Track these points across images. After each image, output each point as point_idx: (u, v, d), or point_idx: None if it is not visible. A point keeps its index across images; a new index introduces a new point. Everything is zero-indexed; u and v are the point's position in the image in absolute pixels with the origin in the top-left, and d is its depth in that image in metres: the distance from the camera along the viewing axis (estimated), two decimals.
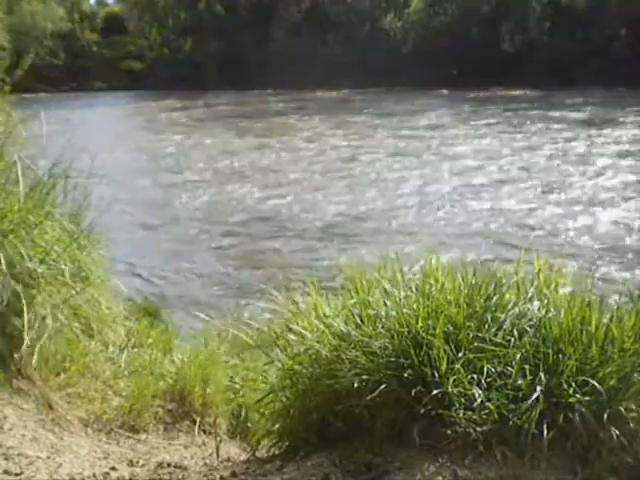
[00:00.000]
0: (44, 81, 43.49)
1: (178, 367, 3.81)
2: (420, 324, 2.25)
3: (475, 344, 2.19)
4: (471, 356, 2.15)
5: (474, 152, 18.86)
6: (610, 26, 39.55)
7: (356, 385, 2.21)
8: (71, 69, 50.22)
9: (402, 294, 2.44)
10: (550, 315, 2.28)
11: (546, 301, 2.38)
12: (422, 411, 2.09)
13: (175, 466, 2.86)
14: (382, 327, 2.31)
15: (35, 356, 3.00)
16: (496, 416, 2.01)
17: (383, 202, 13.62)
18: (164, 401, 3.56)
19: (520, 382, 2.07)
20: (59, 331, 3.15)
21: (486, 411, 2.02)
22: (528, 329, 2.27)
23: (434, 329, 2.21)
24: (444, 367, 2.12)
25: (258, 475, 2.44)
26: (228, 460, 3.01)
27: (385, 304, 2.42)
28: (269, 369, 2.77)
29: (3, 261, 2.81)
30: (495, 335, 2.23)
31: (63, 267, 3.15)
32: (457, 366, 2.11)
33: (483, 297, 2.39)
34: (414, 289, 2.49)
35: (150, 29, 55.12)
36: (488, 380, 2.11)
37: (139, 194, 15.10)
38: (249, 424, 3.42)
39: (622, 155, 17.28)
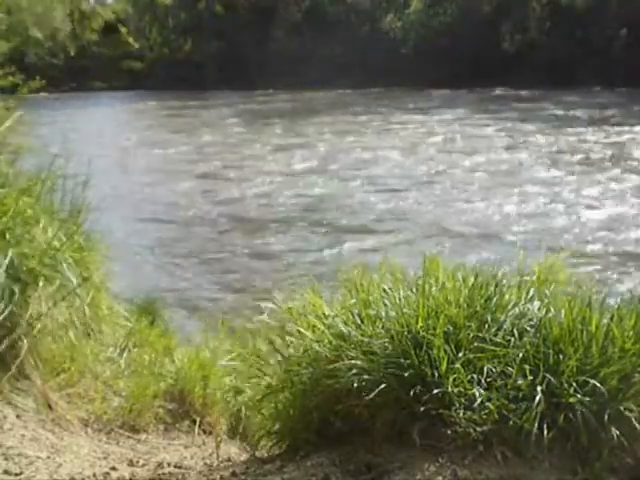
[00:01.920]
0: (44, 81, 43.39)
1: (178, 367, 3.81)
2: (420, 324, 2.24)
3: (475, 344, 2.18)
4: (471, 356, 2.15)
5: (471, 151, 18.85)
6: (610, 26, 39.51)
7: (356, 385, 2.21)
8: (71, 69, 50.14)
9: (402, 294, 2.44)
10: (550, 315, 2.28)
11: (546, 301, 2.38)
12: (422, 411, 2.09)
13: (175, 466, 2.86)
14: (382, 327, 2.31)
15: (35, 356, 3.00)
16: (496, 416, 2.01)
17: (385, 202, 13.62)
18: (164, 401, 3.56)
19: (520, 382, 2.07)
20: (59, 331, 3.15)
21: (486, 411, 2.02)
22: (528, 329, 2.27)
23: (434, 329, 2.21)
24: (444, 367, 2.12)
25: (258, 475, 2.44)
26: (228, 460, 3.01)
27: (385, 304, 2.41)
28: (269, 369, 2.77)
29: (2, 260, 2.81)
30: (495, 335, 2.23)
31: (62, 267, 3.15)
32: (457, 366, 2.11)
33: (483, 297, 2.38)
34: (414, 289, 2.48)
35: (150, 29, 55.07)
36: (488, 380, 2.11)
37: (131, 191, 15.23)
38: (249, 424, 3.42)
39: (623, 155, 17.27)
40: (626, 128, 21.72)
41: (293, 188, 15.09)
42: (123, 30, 52.63)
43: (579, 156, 17.52)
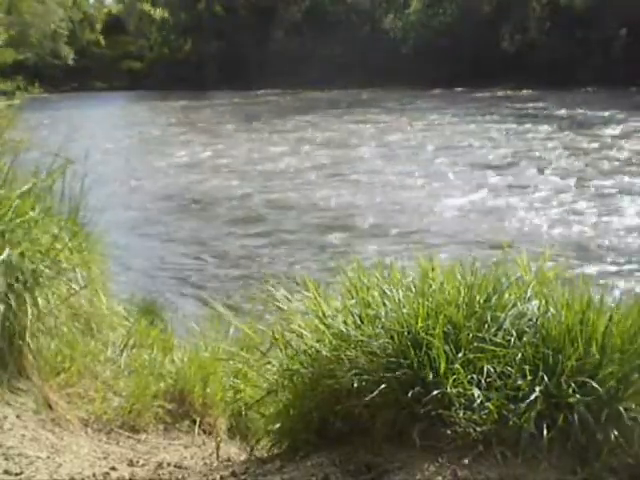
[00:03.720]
0: (45, 81, 43.52)
1: (178, 367, 3.81)
2: (420, 324, 2.25)
3: (475, 344, 2.19)
4: (471, 356, 2.15)
5: (469, 151, 18.85)
6: (610, 26, 39.48)
7: (356, 385, 2.21)
8: (71, 69, 50.20)
9: (401, 294, 2.44)
10: (550, 315, 2.28)
11: (545, 301, 2.38)
12: (422, 411, 2.09)
13: (175, 466, 2.86)
14: (382, 327, 2.32)
15: (35, 356, 3.00)
16: (496, 416, 2.01)
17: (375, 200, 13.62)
18: (164, 401, 3.56)
19: (520, 382, 2.08)
20: (59, 331, 3.16)
21: (486, 411, 2.02)
22: (527, 329, 2.27)
23: (434, 329, 2.21)
24: (443, 367, 2.12)
25: (258, 475, 2.45)
26: (228, 460, 3.01)
27: (384, 304, 2.42)
28: (269, 369, 2.77)
29: (3, 260, 2.81)
30: (495, 335, 2.23)
31: (63, 266, 3.15)
32: (457, 366, 2.11)
33: (482, 297, 2.39)
34: (413, 289, 2.48)
35: (150, 29, 55.10)
36: (488, 380, 2.11)
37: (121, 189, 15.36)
38: (249, 424, 3.42)
39: (622, 156, 17.26)
40: (627, 128, 21.70)
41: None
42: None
43: (577, 156, 17.50)
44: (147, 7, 51.73)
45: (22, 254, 2.93)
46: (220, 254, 10.82)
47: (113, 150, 21.44)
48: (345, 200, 13.87)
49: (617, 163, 16.36)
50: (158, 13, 48.60)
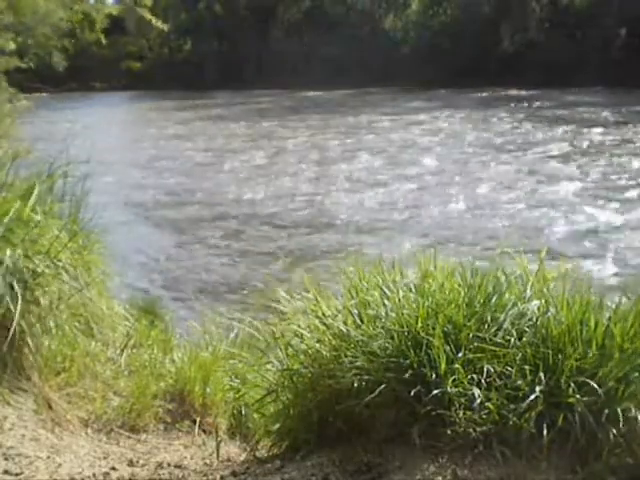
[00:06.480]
0: (45, 81, 43.46)
1: (178, 367, 3.80)
2: (420, 324, 2.25)
3: (475, 344, 2.19)
4: (471, 356, 2.15)
5: (467, 151, 18.86)
6: (610, 26, 39.50)
7: (356, 385, 2.21)
8: (71, 69, 50.15)
9: (401, 294, 2.44)
10: (550, 315, 2.29)
11: (545, 300, 2.38)
12: (422, 411, 2.09)
13: (175, 466, 2.86)
14: (382, 327, 2.32)
15: (35, 356, 3.00)
16: (496, 416, 2.01)
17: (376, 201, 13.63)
18: (164, 401, 3.56)
19: (520, 382, 2.08)
20: (59, 331, 3.16)
21: (486, 411, 2.02)
22: (527, 329, 2.27)
23: (433, 329, 2.21)
24: (443, 367, 2.12)
25: (258, 475, 2.45)
26: (228, 460, 3.01)
27: (384, 304, 2.42)
28: (269, 369, 2.77)
29: (4, 260, 2.81)
30: (495, 335, 2.23)
31: (63, 266, 3.15)
32: (457, 366, 2.11)
33: (482, 297, 2.39)
34: (413, 289, 2.48)
35: (150, 29, 55.10)
36: (488, 380, 2.11)
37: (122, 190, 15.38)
38: (249, 424, 3.42)
39: (623, 156, 17.26)
40: (627, 127, 21.71)
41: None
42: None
43: (578, 157, 17.50)
44: (147, 15, 51.77)
45: (22, 254, 2.93)
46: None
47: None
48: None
49: (615, 162, 16.35)
50: (156, 21, 48.82)
